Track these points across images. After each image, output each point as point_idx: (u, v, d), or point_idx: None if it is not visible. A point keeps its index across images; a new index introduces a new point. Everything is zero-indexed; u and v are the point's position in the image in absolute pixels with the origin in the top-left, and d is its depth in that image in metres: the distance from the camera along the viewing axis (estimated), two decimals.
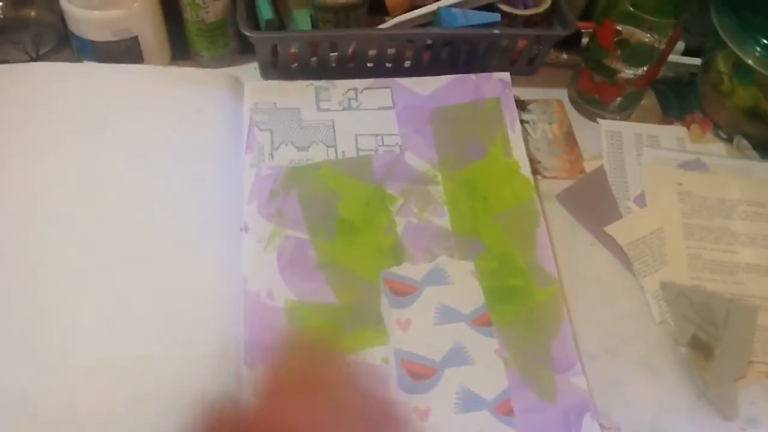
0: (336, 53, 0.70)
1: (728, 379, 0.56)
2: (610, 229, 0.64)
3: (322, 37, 0.69)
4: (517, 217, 0.63)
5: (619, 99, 0.72)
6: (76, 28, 0.66)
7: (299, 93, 0.68)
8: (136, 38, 0.67)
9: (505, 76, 0.71)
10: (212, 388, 0.51)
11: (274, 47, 0.69)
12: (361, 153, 0.65)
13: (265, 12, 0.68)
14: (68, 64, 0.68)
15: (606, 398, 0.55)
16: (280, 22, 0.70)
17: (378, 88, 0.69)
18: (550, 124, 0.73)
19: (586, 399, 0.54)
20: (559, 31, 0.72)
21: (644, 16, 0.65)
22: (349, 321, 0.56)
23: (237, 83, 0.68)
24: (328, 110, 0.67)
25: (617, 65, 0.69)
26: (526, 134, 0.71)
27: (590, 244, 0.64)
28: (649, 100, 0.77)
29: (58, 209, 0.58)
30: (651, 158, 0.70)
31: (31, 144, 0.61)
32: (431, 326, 0.57)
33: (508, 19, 0.73)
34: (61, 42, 0.69)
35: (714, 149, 0.72)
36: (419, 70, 0.72)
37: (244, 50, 0.73)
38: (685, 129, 0.73)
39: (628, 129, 0.72)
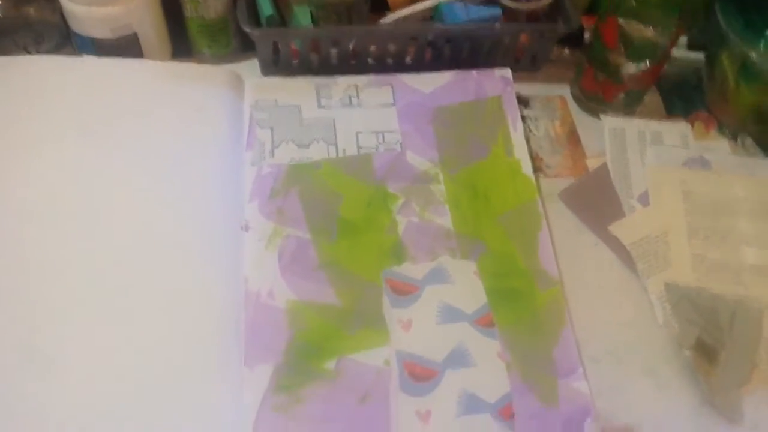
0: (337, 50, 0.70)
1: (733, 384, 0.55)
2: (613, 228, 0.64)
3: (322, 34, 0.68)
4: (519, 219, 0.63)
5: (622, 96, 0.72)
6: (76, 26, 0.65)
7: (300, 90, 0.68)
8: (135, 35, 0.66)
9: (507, 72, 0.71)
10: (212, 389, 0.51)
11: (275, 44, 0.68)
12: (362, 151, 0.65)
13: (266, 8, 0.67)
14: (69, 57, 0.67)
15: (609, 403, 0.54)
16: (281, 18, 0.70)
17: (379, 85, 0.69)
18: (553, 121, 0.72)
19: (588, 404, 0.54)
20: (561, 27, 0.71)
21: (648, 13, 0.64)
22: (351, 322, 0.56)
23: (238, 80, 0.68)
24: (329, 107, 0.67)
25: (620, 62, 0.68)
26: (528, 131, 0.70)
27: (593, 244, 0.64)
28: (652, 98, 0.76)
29: (57, 205, 0.57)
30: (655, 156, 0.69)
31: (30, 139, 0.61)
32: (433, 326, 0.56)
33: (511, 14, 0.72)
34: (62, 40, 0.69)
35: (718, 147, 0.71)
36: (421, 66, 0.72)
37: (246, 47, 0.72)
38: (689, 126, 0.73)
39: (632, 126, 0.72)
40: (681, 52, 0.79)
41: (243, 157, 0.63)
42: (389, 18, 0.71)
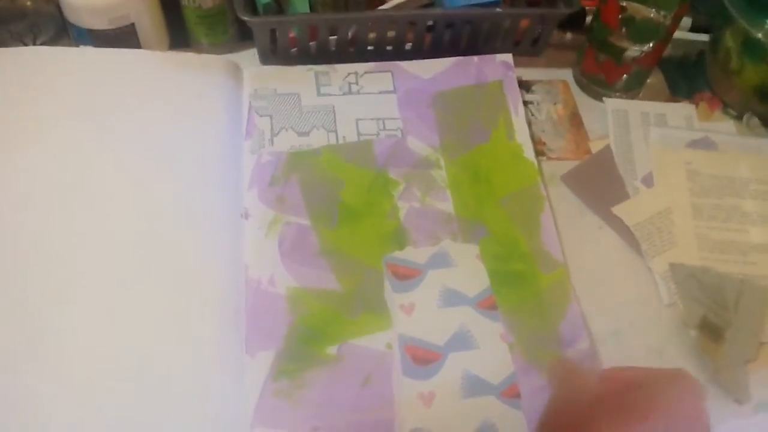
0: (335, 37, 0.69)
1: (739, 362, 0.55)
2: (617, 209, 0.63)
3: (320, 21, 0.68)
4: (521, 201, 0.62)
5: (625, 78, 0.71)
6: (72, 17, 0.65)
7: (299, 78, 0.67)
8: (133, 26, 0.66)
9: (508, 57, 0.70)
10: (213, 376, 0.50)
11: (273, 32, 0.68)
12: (362, 138, 0.64)
13: None
14: (66, 48, 0.67)
15: None
16: (278, 6, 0.69)
17: (379, 72, 0.68)
18: (555, 104, 0.72)
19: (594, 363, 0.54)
20: (563, 10, 0.71)
21: None
22: (352, 307, 0.55)
23: (236, 69, 0.68)
24: (329, 95, 0.66)
25: (623, 43, 0.68)
26: (530, 115, 0.70)
27: (597, 227, 0.63)
28: (656, 79, 0.75)
29: (55, 194, 0.57)
30: (658, 137, 0.68)
31: (29, 128, 0.60)
32: (435, 309, 0.56)
33: None
34: (59, 31, 0.69)
35: (723, 127, 0.71)
36: (421, 52, 0.71)
37: (244, 37, 0.72)
38: (693, 107, 0.72)
39: (635, 108, 0.71)
40: (684, 33, 0.78)
41: (242, 146, 0.63)
42: (388, 4, 0.70)
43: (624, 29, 0.67)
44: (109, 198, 0.58)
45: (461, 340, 0.54)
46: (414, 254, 0.58)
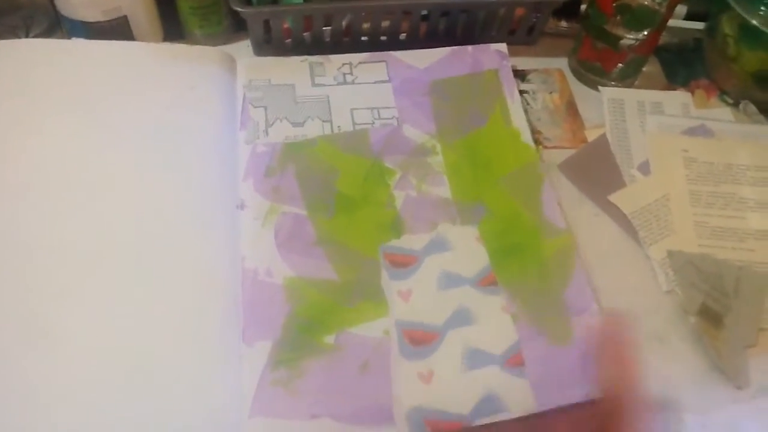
0: (330, 27, 0.69)
1: (739, 347, 0.54)
2: (614, 197, 0.63)
3: (315, 11, 0.67)
4: (521, 179, 0.62)
5: (620, 66, 0.71)
6: (66, 9, 0.65)
7: (293, 69, 0.67)
8: (126, 18, 0.66)
9: (502, 47, 0.70)
10: (211, 367, 0.50)
11: (267, 23, 0.68)
12: (357, 127, 0.64)
13: None
14: (59, 40, 0.67)
15: None
16: None
17: (373, 62, 0.68)
18: (551, 93, 0.71)
19: None
20: None
21: None
22: (349, 296, 0.55)
23: (230, 60, 0.67)
24: (323, 85, 0.66)
25: (618, 31, 0.67)
26: (526, 104, 0.69)
27: (594, 215, 0.63)
28: (652, 67, 0.75)
29: (52, 186, 0.57)
30: (655, 125, 0.68)
31: (22, 121, 0.60)
32: (434, 293, 0.55)
33: None
34: (52, 24, 0.68)
35: (720, 114, 0.70)
36: (416, 42, 0.71)
37: (238, 28, 0.72)
38: (689, 95, 0.72)
39: (631, 96, 0.71)
40: (679, 21, 0.78)
41: (237, 137, 0.62)
42: None
43: (619, 17, 0.67)
44: (104, 190, 0.57)
45: (460, 318, 0.54)
46: (411, 241, 0.58)
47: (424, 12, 0.70)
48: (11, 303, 0.51)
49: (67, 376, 0.49)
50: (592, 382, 0.50)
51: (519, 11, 0.71)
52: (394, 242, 0.58)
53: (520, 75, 0.72)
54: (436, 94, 0.66)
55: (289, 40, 0.70)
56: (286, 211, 0.58)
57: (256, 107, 0.64)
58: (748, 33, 0.68)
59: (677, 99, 0.71)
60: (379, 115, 0.65)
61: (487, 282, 0.56)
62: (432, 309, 0.54)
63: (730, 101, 0.72)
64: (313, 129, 0.63)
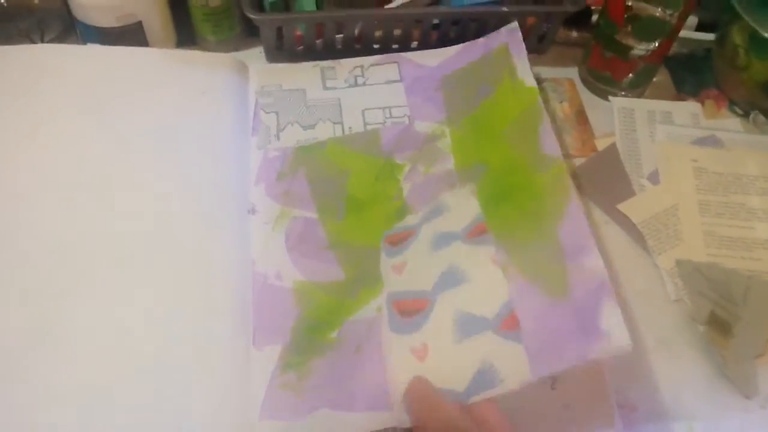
0: (342, 35, 0.70)
1: (748, 356, 0.55)
2: (623, 206, 0.63)
3: (327, 18, 0.68)
4: (522, 123, 0.60)
5: (631, 76, 0.71)
6: (80, 14, 0.65)
7: (305, 74, 0.67)
8: (140, 23, 0.66)
9: (513, 25, 0.68)
10: (222, 371, 0.50)
11: (279, 30, 0.68)
12: (369, 127, 0.64)
13: None
14: (73, 46, 0.67)
15: (622, 377, 0.53)
16: (285, 4, 0.69)
17: (385, 63, 0.68)
18: (561, 102, 0.72)
19: (604, 282, 0.49)
20: (568, 8, 0.71)
21: None
22: (352, 290, 0.55)
23: (242, 66, 0.68)
24: (334, 88, 0.66)
25: (629, 41, 0.68)
26: None
27: (603, 223, 0.63)
28: (662, 77, 0.75)
29: (63, 189, 0.57)
30: (664, 135, 0.68)
31: (36, 125, 0.60)
32: (426, 258, 0.54)
33: None
34: (66, 29, 0.69)
35: (729, 125, 0.71)
36: (427, 50, 0.71)
37: (250, 34, 0.72)
38: (699, 105, 0.72)
39: (641, 106, 0.71)
40: (690, 32, 0.78)
41: (249, 142, 0.63)
42: (395, 2, 0.71)
43: (630, 27, 0.67)
44: (116, 194, 0.58)
45: (450, 278, 0.52)
46: (411, 219, 0.58)
47: (436, 21, 0.70)
48: (20, 304, 0.52)
49: (74, 379, 0.49)
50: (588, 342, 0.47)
51: (530, 20, 0.71)
52: (397, 224, 0.58)
53: None
54: (448, 86, 0.66)
55: (300, 47, 0.70)
56: (296, 215, 0.58)
57: (267, 113, 0.64)
58: (758, 43, 0.68)
59: (687, 109, 0.71)
60: (390, 114, 0.65)
61: (476, 232, 0.54)
62: (422, 274, 0.53)
63: (740, 112, 0.72)
64: (324, 131, 0.64)
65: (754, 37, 0.67)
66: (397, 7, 0.70)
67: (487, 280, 0.52)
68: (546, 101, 0.71)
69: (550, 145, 0.57)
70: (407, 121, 0.65)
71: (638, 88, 0.73)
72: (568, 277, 0.50)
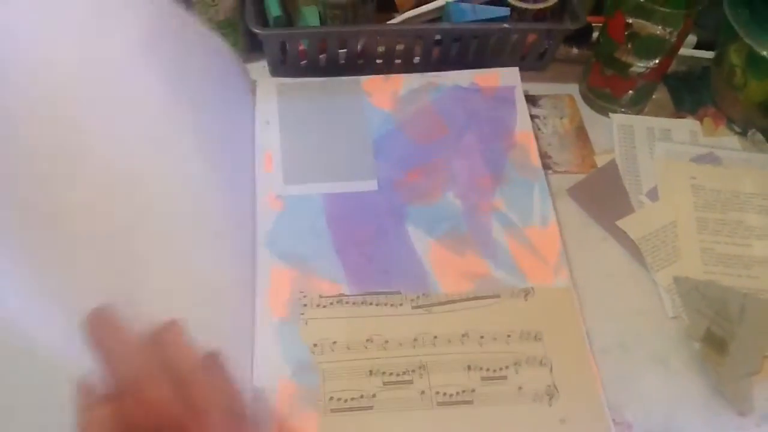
0: (345, 50, 0.70)
1: (743, 374, 0.55)
2: (622, 223, 0.64)
3: (330, 34, 0.69)
4: None
5: (630, 93, 0.72)
6: None
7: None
8: None
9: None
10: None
11: (283, 44, 0.69)
12: None
13: (274, 9, 0.68)
14: None
15: (619, 394, 0.54)
16: (289, 19, 0.70)
17: None
18: (561, 118, 0.73)
19: None
20: (569, 25, 0.71)
21: (655, 8, 0.64)
22: None
23: (249, 80, 0.68)
24: None
25: (628, 58, 0.68)
26: (536, 129, 0.70)
27: (602, 239, 0.64)
28: (661, 94, 0.76)
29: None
30: (663, 152, 0.69)
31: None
32: None
33: (518, 14, 0.72)
34: None
35: (728, 143, 0.71)
36: (428, 65, 0.72)
37: (254, 48, 0.73)
38: (697, 122, 0.72)
39: (640, 123, 0.72)
40: (689, 50, 0.79)
41: (251, 159, 0.64)
42: (397, 19, 0.71)
43: (630, 45, 0.68)
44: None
45: None
46: None
47: (438, 37, 0.71)
48: None
49: None
50: None
51: (531, 37, 0.72)
52: None
53: (531, 100, 0.73)
54: None
55: (304, 62, 0.71)
56: None
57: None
58: (755, 63, 0.69)
59: (686, 126, 0.72)
60: None
61: None
62: None
63: (738, 129, 0.73)
64: None
65: (751, 57, 0.68)
66: (400, 22, 0.71)
67: None
68: (546, 118, 0.72)
69: None
70: None
71: (638, 105, 0.74)
72: None
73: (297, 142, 0.65)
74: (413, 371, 0.54)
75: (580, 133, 0.72)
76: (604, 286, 0.60)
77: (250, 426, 0.43)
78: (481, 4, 0.71)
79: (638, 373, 0.55)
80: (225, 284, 0.56)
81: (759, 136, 0.72)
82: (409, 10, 0.71)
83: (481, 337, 0.56)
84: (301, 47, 0.70)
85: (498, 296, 0.58)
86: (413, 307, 0.57)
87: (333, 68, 0.71)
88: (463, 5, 0.70)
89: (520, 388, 0.54)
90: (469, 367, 0.54)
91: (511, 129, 0.68)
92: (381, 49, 0.71)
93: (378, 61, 0.72)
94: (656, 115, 0.74)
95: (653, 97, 0.75)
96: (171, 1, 0.60)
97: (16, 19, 0.49)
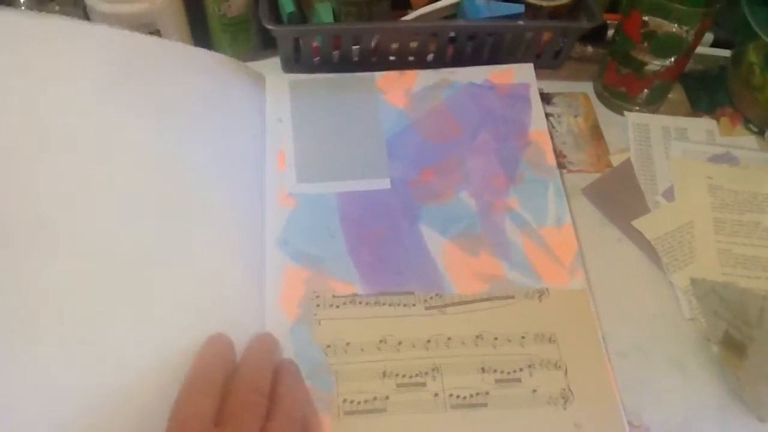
0: (358, 46, 0.70)
1: (762, 378, 0.54)
2: (637, 223, 0.63)
3: (344, 31, 0.68)
4: None
5: (646, 92, 0.71)
6: (99, 23, 0.66)
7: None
8: (158, 33, 0.67)
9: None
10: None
11: (296, 41, 0.69)
12: None
13: (287, 5, 0.68)
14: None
15: (636, 397, 0.53)
16: (303, 15, 0.70)
17: None
18: (576, 117, 0.72)
19: None
20: (584, 23, 0.71)
21: (672, 6, 0.63)
22: None
23: (260, 77, 0.68)
24: None
25: (644, 57, 0.68)
26: (551, 128, 0.70)
27: (617, 240, 0.63)
28: (677, 94, 0.75)
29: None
30: (679, 151, 0.68)
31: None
32: None
33: (533, 11, 0.72)
34: None
35: (745, 142, 0.70)
36: (442, 63, 0.72)
37: (267, 44, 0.73)
38: (714, 122, 0.72)
39: (656, 122, 0.71)
40: (706, 48, 0.78)
41: (263, 155, 0.63)
42: (411, 15, 0.71)
43: (646, 43, 0.67)
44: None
45: None
46: None
47: (452, 34, 0.70)
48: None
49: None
50: None
51: (546, 36, 0.72)
52: None
53: (545, 98, 0.72)
54: None
55: (317, 59, 0.71)
56: None
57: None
58: None
59: (702, 125, 0.71)
60: None
61: None
62: None
63: (755, 129, 0.72)
64: None
65: None
66: (414, 19, 0.70)
67: None
68: (560, 116, 0.72)
69: None
70: None
71: (653, 104, 0.73)
72: None
73: (310, 140, 0.64)
74: (426, 373, 0.53)
75: (595, 132, 0.71)
76: (620, 287, 0.59)
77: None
78: (496, 1, 0.71)
79: (655, 377, 0.55)
80: (237, 284, 0.55)
81: None
82: (424, 6, 0.71)
83: (495, 338, 0.55)
84: (315, 44, 0.69)
85: (512, 297, 0.57)
86: (426, 308, 0.56)
87: (347, 65, 0.71)
88: (478, 2, 0.70)
89: (534, 391, 0.53)
90: (483, 369, 0.54)
91: (526, 127, 0.67)
92: (395, 46, 0.71)
93: (391, 58, 0.72)
94: (672, 114, 0.73)
95: (669, 96, 0.74)
96: (139, 36, 0.62)
97: None
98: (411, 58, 0.72)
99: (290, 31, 0.68)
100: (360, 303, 0.56)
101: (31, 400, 0.47)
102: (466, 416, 0.52)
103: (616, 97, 0.73)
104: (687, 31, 0.65)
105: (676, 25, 0.65)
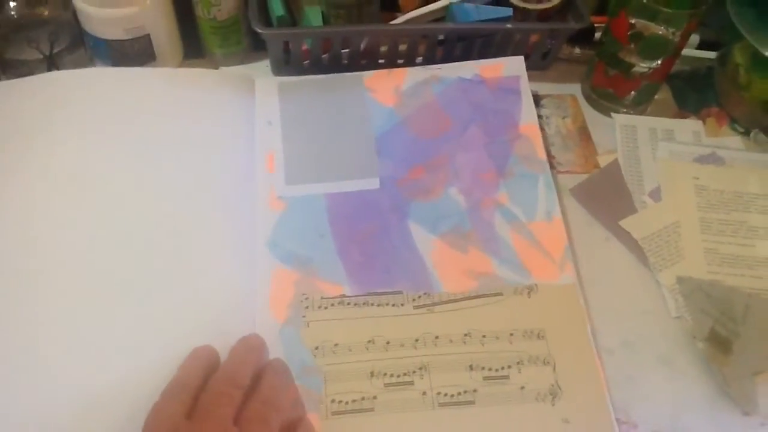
0: (348, 49, 0.70)
1: (747, 374, 0.55)
2: (625, 223, 0.63)
3: (334, 33, 0.69)
4: None
5: (633, 93, 0.71)
6: (89, 27, 0.66)
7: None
8: (148, 36, 0.67)
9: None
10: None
11: (286, 44, 0.69)
12: None
13: (277, 9, 0.68)
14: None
15: (623, 394, 0.54)
16: (292, 18, 0.70)
17: None
18: (564, 118, 0.72)
19: None
20: (572, 25, 0.71)
21: (659, 8, 0.64)
22: None
23: (248, 82, 0.68)
24: None
25: (632, 59, 0.68)
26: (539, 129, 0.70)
27: (605, 239, 0.63)
28: (664, 94, 0.76)
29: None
30: (666, 152, 0.69)
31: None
32: None
33: (521, 14, 0.72)
34: (75, 40, 0.70)
35: (731, 143, 0.71)
36: (432, 65, 0.72)
37: (257, 47, 0.73)
38: (700, 123, 0.72)
39: (643, 123, 0.72)
40: (692, 50, 0.79)
41: (254, 158, 0.64)
42: (401, 19, 0.71)
43: (633, 45, 0.67)
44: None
45: None
46: None
47: (441, 36, 0.71)
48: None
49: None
50: None
51: (534, 37, 0.72)
52: None
53: (534, 100, 0.72)
54: None
55: (307, 61, 0.71)
56: None
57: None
58: (759, 63, 0.69)
59: (689, 126, 0.72)
60: None
61: None
62: None
63: (741, 129, 0.73)
64: None
65: (755, 57, 0.68)
66: (403, 22, 0.71)
67: None
68: (548, 117, 0.72)
69: None
70: None
71: (640, 105, 0.73)
72: None
73: (299, 142, 0.65)
74: (414, 372, 0.54)
75: (583, 133, 0.72)
76: (607, 285, 0.60)
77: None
78: (484, 4, 0.71)
79: (643, 373, 0.55)
80: (227, 288, 0.56)
81: (762, 136, 0.71)
82: (413, 10, 0.71)
83: (483, 336, 0.55)
84: (305, 47, 0.70)
85: (501, 294, 0.58)
86: (415, 307, 0.57)
87: (336, 68, 0.71)
88: (467, 5, 0.70)
89: (522, 387, 0.53)
90: (471, 367, 0.54)
91: (516, 121, 0.67)
92: (384, 48, 0.71)
93: (381, 61, 0.72)
94: (659, 116, 0.73)
95: (656, 97, 0.74)
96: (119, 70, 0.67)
97: None
98: (400, 61, 0.73)
99: (280, 35, 0.68)
100: (348, 304, 0.56)
101: (31, 400, 0.48)
102: (454, 414, 0.52)
103: (604, 99, 0.73)
104: (674, 33, 0.66)
105: (663, 27, 0.65)
